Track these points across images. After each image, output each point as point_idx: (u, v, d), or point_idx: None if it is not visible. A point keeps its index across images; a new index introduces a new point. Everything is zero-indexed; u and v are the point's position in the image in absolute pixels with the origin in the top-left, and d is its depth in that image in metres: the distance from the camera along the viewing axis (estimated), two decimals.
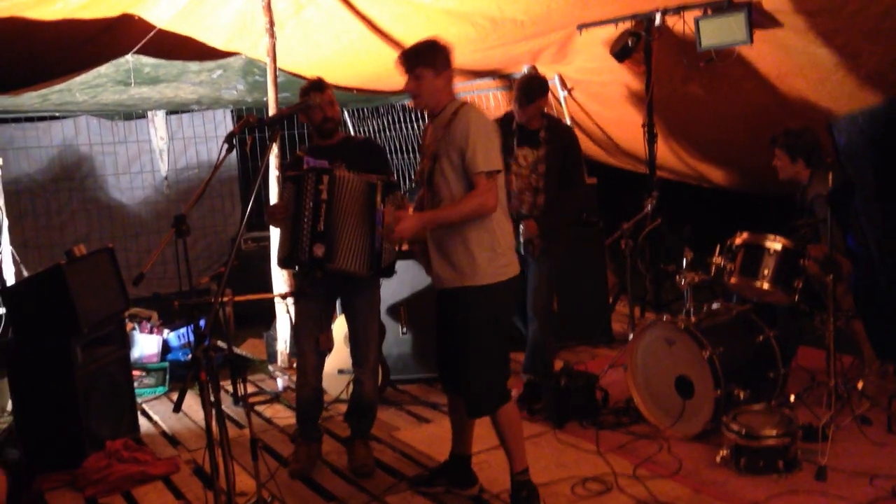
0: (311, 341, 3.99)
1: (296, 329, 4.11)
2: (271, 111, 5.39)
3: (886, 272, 3.55)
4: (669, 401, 4.05)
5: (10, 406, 4.66)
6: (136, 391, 4.96)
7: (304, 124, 4.23)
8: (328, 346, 4.02)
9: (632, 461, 3.80)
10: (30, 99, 5.87)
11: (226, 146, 3.69)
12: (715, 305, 4.35)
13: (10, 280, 5.20)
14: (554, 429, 4.26)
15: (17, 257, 5.38)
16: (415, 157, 8.37)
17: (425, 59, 3.26)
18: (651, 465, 3.75)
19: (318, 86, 3.89)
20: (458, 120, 3.21)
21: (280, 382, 5.37)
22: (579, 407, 4.32)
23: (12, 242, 5.35)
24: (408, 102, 8.28)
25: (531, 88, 4.59)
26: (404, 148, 8.68)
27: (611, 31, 5.46)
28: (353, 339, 4.06)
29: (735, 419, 3.68)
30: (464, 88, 7.47)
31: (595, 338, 5.64)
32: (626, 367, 4.25)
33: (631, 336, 4.43)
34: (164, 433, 4.78)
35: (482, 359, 3.28)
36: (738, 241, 4.22)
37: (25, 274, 5.41)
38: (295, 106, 3.00)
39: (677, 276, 4.21)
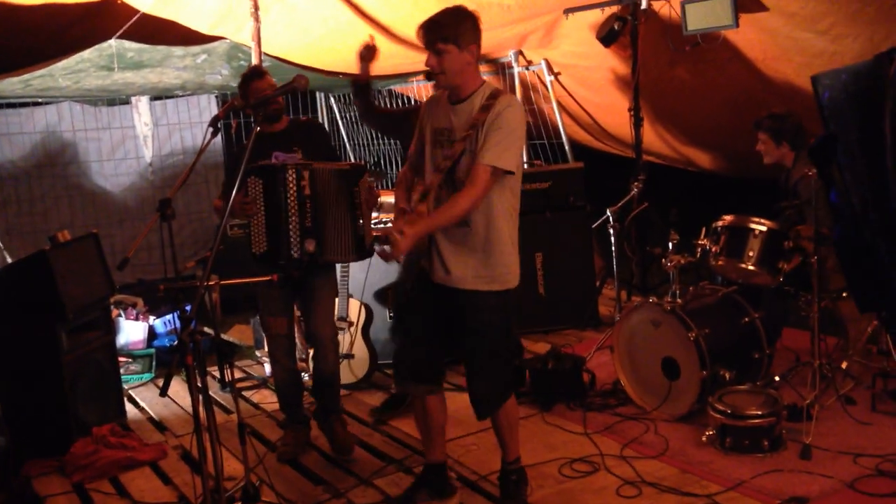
0: (278, 325, 3.98)
1: (262, 315, 4.09)
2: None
3: (870, 226, 3.59)
4: (656, 382, 4.08)
5: None
6: (123, 377, 4.96)
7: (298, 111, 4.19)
8: (280, 331, 3.99)
9: (619, 442, 3.82)
10: (11, 85, 5.80)
11: (210, 130, 3.68)
12: (701, 287, 4.38)
13: None
14: (541, 411, 4.27)
15: (0, 244, 5.33)
16: (398, 144, 8.32)
17: (447, 30, 2.87)
18: (638, 446, 3.77)
19: (259, 72, 3.93)
20: (501, 104, 2.91)
21: (267, 368, 5.35)
22: (566, 389, 4.34)
23: None
24: (414, 83, 8.23)
25: None
26: None
27: (597, 16, 5.46)
28: (309, 316, 4.04)
29: (721, 399, 3.71)
30: None
31: (582, 321, 5.66)
32: (613, 350, 4.28)
33: (617, 318, 4.45)
34: (151, 419, 4.77)
35: (499, 362, 3.19)
36: (722, 223, 4.24)
37: (9, 261, 5.37)
38: (280, 88, 2.98)
39: (663, 259, 4.23)
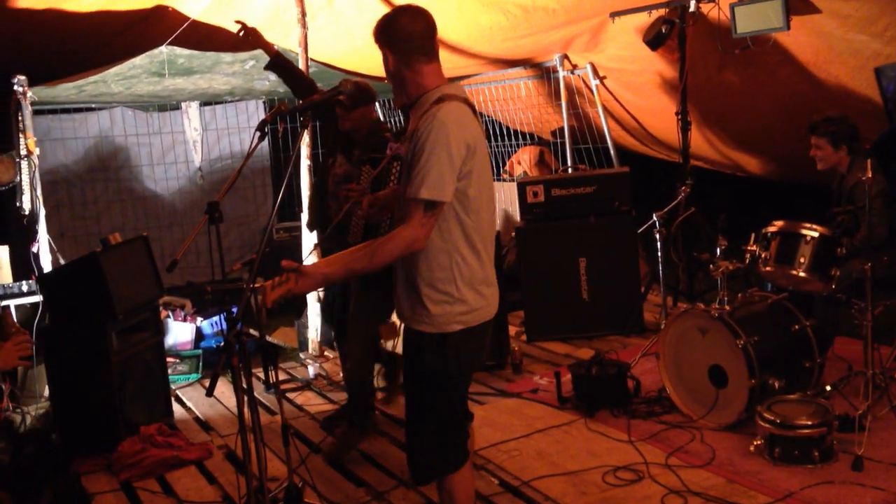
0: (363, 330, 3.99)
1: (352, 317, 4.09)
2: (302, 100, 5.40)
3: None
4: (702, 390, 4.01)
5: (47, 391, 4.75)
6: (170, 377, 5.03)
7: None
8: (392, 337, 3.99)
9: (664, 450, 3.76)
10: (66, 90, 5.96)
11: (258, 134, 3.72)
12: (750, 294, 4.29)
13: (48, 268, 5.29)
14: (584, 417, 4.23)
15: (53, 246, 5.46)
16: None
17: (379, 33, 2.61)
18: (683, 455, 3.71)
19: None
20: (423, 122, 2.49)
21: (311, 370, 5.40)
22: (610, 396, 4.29)
23: (49, 232, 5.43)
24: None
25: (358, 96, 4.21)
26: None
27: (644, 19, 5.40)
28: None
29: (770, 409, 3.63)
30: (494, 78, 7.44)
31: (627, 327, 5.59)
32: (659, 357, 4.21)
33: (663, 325, 4.39)
34: (197, 419, 4.84)
35: (428, 414, 2.68)
36: (773, 228, 4.15)
37: (62, 263, 5.50)
38: (326, 93, 2.99)
39: (711, 265, 4.16)
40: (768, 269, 4.14)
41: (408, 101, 2.64)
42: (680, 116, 5.60)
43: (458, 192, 2.51)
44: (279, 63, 4.27)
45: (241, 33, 4.22)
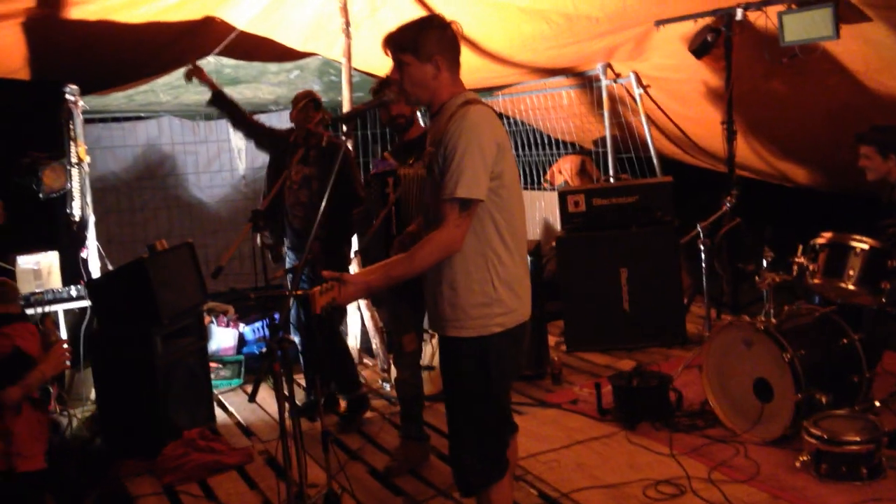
0: (408, 341, 4.00)
1: (393, 332, 4.16)
2: (345, 110, 5.46)
3: None
4: (747, 404, 3.94)
5: (93, 395, 4.84)
6: (213, 382, 5.09)
7: (380, 124, 4.37)
8: (411, 348, 4.01)
9: (707, 464, 3.70)
10: (116, 99, 6.09)
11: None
12: (796, 307, 4.21)
13: (96, 274, 5.40)
14: (625, 429, 4.19)
15: (102, 252, 5.57)
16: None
17: (405, 41, 2.58)
18: (727, 469, 3.64)
19: (387, 82, 3.93)
20: (452, 125, 2.51)
21: None
22: (652, 408, 4.24)
23: (98, 238, 5.55)
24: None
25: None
26: None
27: (689, 27, 5.35)
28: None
29: (816, 424, 3.55)
30: (536, 87, 7.43)
31: (669, 339, 5.53)
32: (702, 369, 4.15)
33: (707, 337, 4.33)
34: (238, 424, 4.90)
35: (471, 424, 2.67)
36: (821, 240, 4.07)
37: (110, 268, 5.61)
38: (369, 102, 3.02)
39: (757, 277, 4.09)
40: (816, 281, 4.06)
41: (432, 108, 2.65)
42: (726, 126, 5.53)
43: (491, 192, 2.53)
44: (219, 99, 4.86)
45: (187, 71, 4.81)
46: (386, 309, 4.10)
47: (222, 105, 4.85)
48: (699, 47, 5.25)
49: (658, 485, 3.56)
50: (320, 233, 4.35)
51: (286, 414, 2.80)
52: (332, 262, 4.31)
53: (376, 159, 4.22)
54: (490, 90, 7.63)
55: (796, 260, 4.12)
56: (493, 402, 2.67)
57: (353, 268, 5.23)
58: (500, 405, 2.73)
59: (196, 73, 4.80)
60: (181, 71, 5.50)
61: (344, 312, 5.76)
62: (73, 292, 5.26)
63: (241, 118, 4.89)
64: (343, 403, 4.80)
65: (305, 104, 4.55)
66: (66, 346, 2.83)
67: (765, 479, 3.53)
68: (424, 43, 2.55)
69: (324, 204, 2.63)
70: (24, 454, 2.63)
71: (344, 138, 3.13)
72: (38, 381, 2.69)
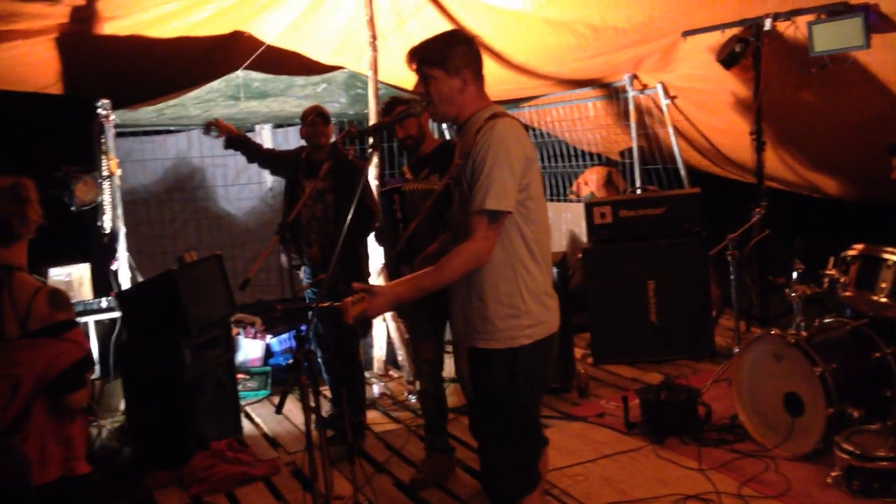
0: (425, 350, 4.02)
1: (412, 340, 4.19)
2: (371, 123, 5.49)
3: None
4: (777, 418, 3.88)
5: (122, 405, 4.89)
6: (240, 394, 5.12)
7: (397, 139, 4.35)
8: (427, 357, 4.01)
9: (736, 480, 3.65)
10: (147, 113, 6.17)
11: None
12: (828, 320, 4.15)
13: (126, 286, 5.46)
14: (653, 443, 4.14)
15: (132, 264, 5.64)
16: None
17: (433, 54, 2.59)
18: (757, 485, 3.59)
19: (396, 102, 4.00)
20: (480, 137, 2.53)
21: (376, 389, 5.44)
22: (680, 422, 4.19)
23: (129, 250, 5.62)
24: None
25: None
26: None
27: (717, 38, 5.31)
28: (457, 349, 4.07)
29: (848, 439, 3.49)
30: (562, 98, 7.42)
31: (697, 352, 5.47)
32: (731, 383, 4.10)
33: (736, 350, 4.28)
34: (265, 435, 4.92)
35: (502, 436, 2.67)
36: (853, 252, 4.02)
37: (140, 280, 5.67)
38: (395, 115, 3.03)
39: (787, 289, 4.04)
40: (848, 294, 4.00)
41: (458, 122, 2.66)
42: (754, 136, 5.47)
43: (518, 204, 2.55)
44: (233, 141, 4.89)
45: (207, 127, 4.83)
46: (406, 318, 4.10)
47: (237, 146, 4.91)
48: (727, 58, 5.21)
49: (687, 500, 3.52)
50: (332, 240, 4.42)
51: (312, 426, 2.80)
52: (349, 274, 4.28)
53: (393, 178, 4.26)
54: (516, 102, 7.63)
55: (827, 272, 4.07)
56: (524, 413, 2.67)
57: (381, 281, 5.25)
58: (531, 416, 2.73)
59: (216, 126, 4.84)
60: (211, 85, 5.58)
61: (370, 325, 5.78)
62: (104, 304, 5.33)
63: (255, 153, 4.94)
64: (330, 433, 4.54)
65: (313, 119, 4.53)
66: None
67: (796, 495, 3.47)
68: (452, 57, 2.57)
69: (347, 222, 2.63)
70: (80, 457, 2.74)
71: (370, 150, 3.13)
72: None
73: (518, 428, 2.66)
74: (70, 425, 2.76)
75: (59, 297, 2.74)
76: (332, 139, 4.65)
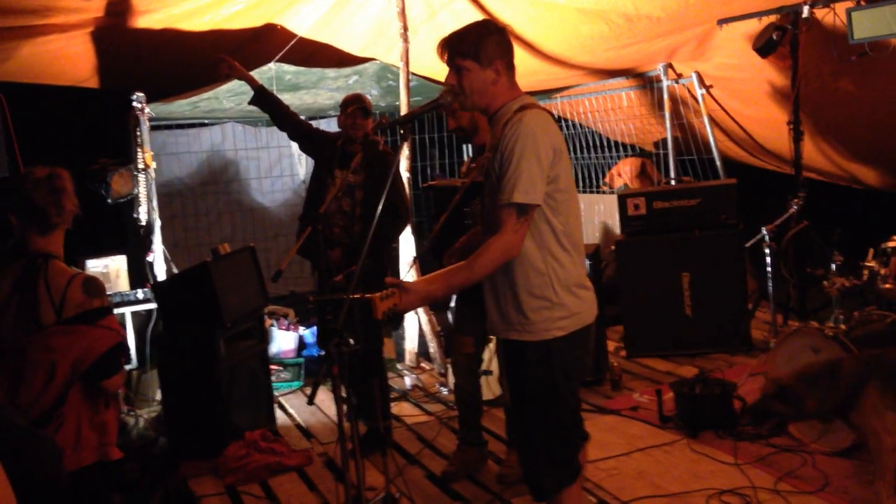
0: (462, 343, 4.01)
1: (449, 330, 4.17)
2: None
3: None
4: None
5: (159, 395, 4.95)
6: (273, 385, 5.16)
7: (434, 129, 4.30)
8: (467, 350, 4.00)
9: (773, 475, 3.60)
10: (181, 106, 6.23)
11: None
12: (867, 313, 4.07)
13: (162, 277, 5.53)
14: (687, 437, 4.10)
15: (167, 256, 5.71)
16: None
17: (466, 46, 2.56)
18: (794, 480, 3.54)
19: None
20: (508, 130, 2.52)
21: (408, 381, 5.45)
22: (715, 416, 4.14)
23: (164, 242, 5.68)
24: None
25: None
26: None
27: (753, 26, 5.23)
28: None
29: None
30: (595, 88, 7.35)
31: (733, 345, 5.39)
32: (768, 376, 4.04)
33: (773, 343, 4.21)
34: (298, 426, 4.95)
35: (540, 428, 2.65)
36: (893, 244, 3.94)
37: (175, 272, 5.73)
38: (425, 105, 3.02)
39: (825, 282, 3.97)
40: (888, 286, 3.93)
41: (488, 113, 2.65)
42: (792, 126, 5.38)
43: (547, 196, 2.53)
44: (262, 97, 4.46)
45: (220, 63, 4.37)
46: (439, 311, 4.08)
47: (265, 103, 4.51)
48: (764, 46, 5.12)
49: (722, 494, 3.47)
50: (357, 239, 4.30)
51: (344, 417, 2.81)
52: (378, 268, 4.25)
53: (437, 173, 4.25)
54: (548, 92, 7.58)
55: (866, 264, 4.00)
56: (561, 404, 2.64)
57: (412, 274, 5.25)
58: (568, 408, 2.70)
59: (229, 67, 4.39)
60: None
61: (401, 317, 5.78)
62: (140, 295, 5.39)
63: (285, 116, 4.55)
64: (363, 427, 4.37)
65: (354, 110, 4.31)
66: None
67: (834, 490, 3.41)
68: (485, 48, 2.55)
69: (376, 218, 2.62)
70: (112, 443, 2.78)
71: (401, 141, 3.11)
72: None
73: (555, 419, 2.63)
74: (104, 411, 2.81)
75: (93, 285, 2.78)
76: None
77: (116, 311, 5.22)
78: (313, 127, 4.77)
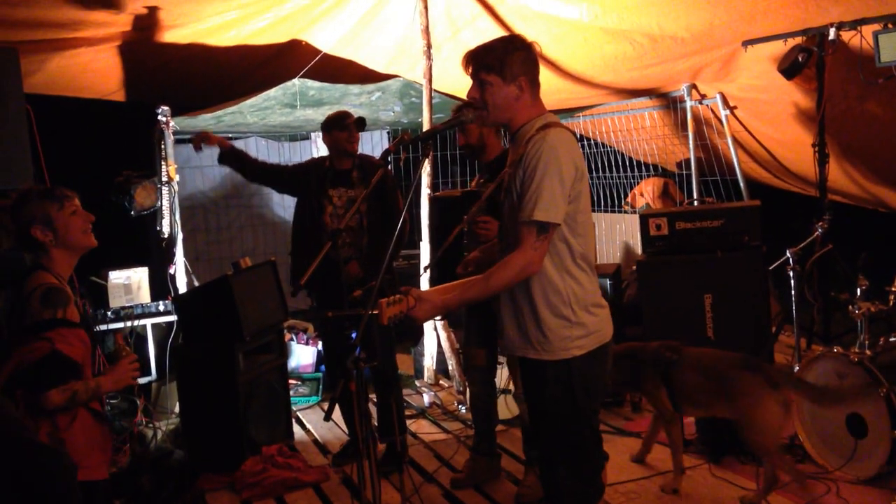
0: (475, 356, 4.02)
1: (464, 345, 4.15)
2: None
3: None
4: (839, 440, 3.75)
5: (177, 408, 4.96)
6: (292, 399, 5.15)
7: (458, 146, 4.26)
8: (478, 364, 4.00)
9: (796, 502, 3.54)
10: (205, 120, 6.28)
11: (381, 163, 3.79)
12: (893, 339, 4.00)
13: (183, 290, 5.55)
14: (708, 462, 4.04)
15: (189, 269, 5.74)
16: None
17: (492, 59, 2.54)
18: None
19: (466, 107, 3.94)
20: (531, 148, 2.50)
21: (426, 398, 5.42)
22: (738, 441, 4.07)
23: (185, 255, 5.72)
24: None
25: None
26: None
27: (779, 47, 5.19)
28: (510, 360, 4.04)
29: None
30: (618, 108, 7.33)
31: None
32: (792, 402, 3.98)
33: (797, 368, 4.15)
34: (315, 441, 4.93)
35: (563, 447, 2.63)
36: None
37: (196, 285, 5.76)
38: (446, 122, 3.02)
39: (851, 306, 3.91)
40: None
41: (510, 129, 2.64)
42: (817, 148, 5.32)
43: (568, 216, 2.52)
44: (226, 156, 4.57)
45: (196, 141, 4.56)
46: (457, 328, 4.09)
47: (230, 162, 4.62)
48: (789, 67, 5.07)
49: None
50: (367, 251, 4.30)
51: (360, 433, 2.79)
52: (392, 283, 4.21)
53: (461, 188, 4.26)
54: (571, 111, 7.57)
55: (893, 289, 3.93)
56: (583, 422, 2.63)
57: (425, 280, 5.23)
58: (591, 426, 2.68)
59: (203, 139, 4.59)
60: (268, 93, 5.65)
61: (421, 333, 5.76)
62: (161, 307, 5.42)
63: (253, 169, 4.66)
64: (381, 447, 4.40)
65: (350, 123, 4.39)
66: (133, 363, 2.83)
67: None
68: (510, 64, 2.54)
69: (398, 229, 2.63)
70: (82, 464, 2.64)
71: (422, 157, 3.10)
72: (90, 390, 2.66)
73: (577, 439, 2.62)
74: (68, 428, 2.65)
75: (51, 296, 2.63)
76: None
77: (137, 322, 5.25)
78: (281, 167, 4.86)
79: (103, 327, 5.14)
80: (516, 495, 3.83)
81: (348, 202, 4.37)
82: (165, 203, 5.51)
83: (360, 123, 4.44)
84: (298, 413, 5.41)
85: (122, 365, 2.77)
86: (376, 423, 4.65)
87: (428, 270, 4.76)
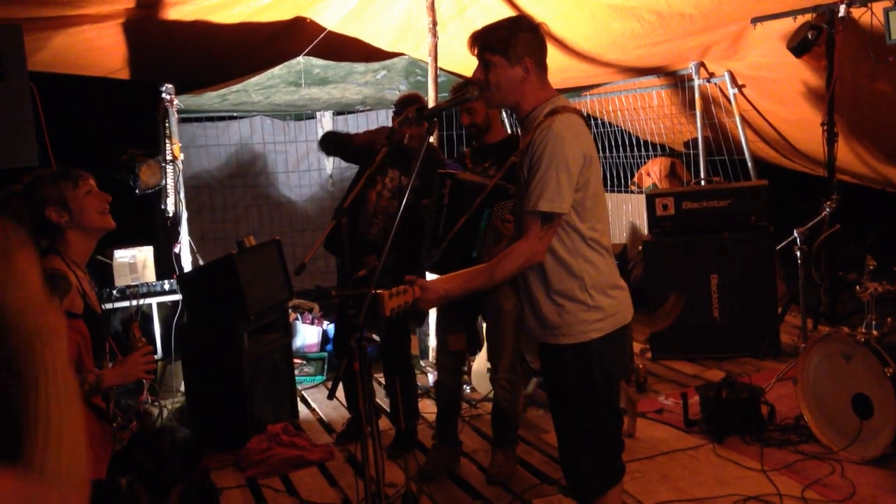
0: (452, 341, 3.97)
1: (438, 329, 4.11)
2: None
3: None
4: (844, 420, 3.74)
5: (183, 386, 4.98)
6: (297, 378, 5.16)
7: (462, 125, 4.17)
8: (457, 348, 3.98)
9: (800, 482, 3.53)
10: (210, 99, 6.25)
11: (385, 143, 3.76)
12: None
13: (188, 269, 5.55)
14: (712, 442, 4.04)
15: (194, 248, 5.74)
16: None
17: (496, 41, 2.50)
18: (821, 488, 3.47)
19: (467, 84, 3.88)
20: (538, 135, 2.46)
21: (430, 378, 5.42)
22: (742, 421, 4.08)
23: (190, 234, 5.71)
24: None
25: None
26: None
27: (788, 24, 5.13)
28: (489, 343, 4.02)
29: None
30: (625, 87, 7.27)
31: (761, 349, 5.31)
32: (797, 382, 3.97)
33: (802, 348, 4.14)
34: (320, 420, 4.95)
35: (584, 430, 2.61)
36: None
37: (201, 264, 5.76)
38: (451, 100, 2.99)
39: (858, 287, 3.88)
40: None
41: (518, 113, 2.60)
42: (826, 127, 5.27)
43: (576, 203, 2.49)
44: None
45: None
46: (438, 313, 4.04)
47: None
48: (799, 45, 5.02)
49: (747, 501, 3.42)
50: (396, 242, 4.22)
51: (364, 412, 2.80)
52: (400, 266, 4.11)
53: (449, 161, 4.16)
54: (578, 90, 7.51)
55: None
56: (603, 404, 2.61)
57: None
58: (611, 407, 2.67)
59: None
60: (273, 71, 5.61)
61: (425, 314, 5.76)
62: (167, 286, 5.42)
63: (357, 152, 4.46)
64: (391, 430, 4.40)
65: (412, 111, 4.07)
66: (146, 356, 2.74)
67: (862, 500, 3.35)
68: (515, 45, 2.49)
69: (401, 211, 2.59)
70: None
71: (426, 135, 3.06)
72: (88, 385, 2.57)
73: (599, 419, 2.61)
74: None
75: (48, 283, 2.59)
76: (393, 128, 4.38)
77: (143, 301, 5.26)
78: (366, 138, 4.54)
79: (108, 306, 5.15)
80: (488, 475, 3.84)
81: (396, 188, 4.26)
82: (170, 182, 5.51)
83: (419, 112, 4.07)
84: (303, 392, 5.42)
85: (132, 358, 2.67)
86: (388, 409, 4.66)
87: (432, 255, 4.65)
